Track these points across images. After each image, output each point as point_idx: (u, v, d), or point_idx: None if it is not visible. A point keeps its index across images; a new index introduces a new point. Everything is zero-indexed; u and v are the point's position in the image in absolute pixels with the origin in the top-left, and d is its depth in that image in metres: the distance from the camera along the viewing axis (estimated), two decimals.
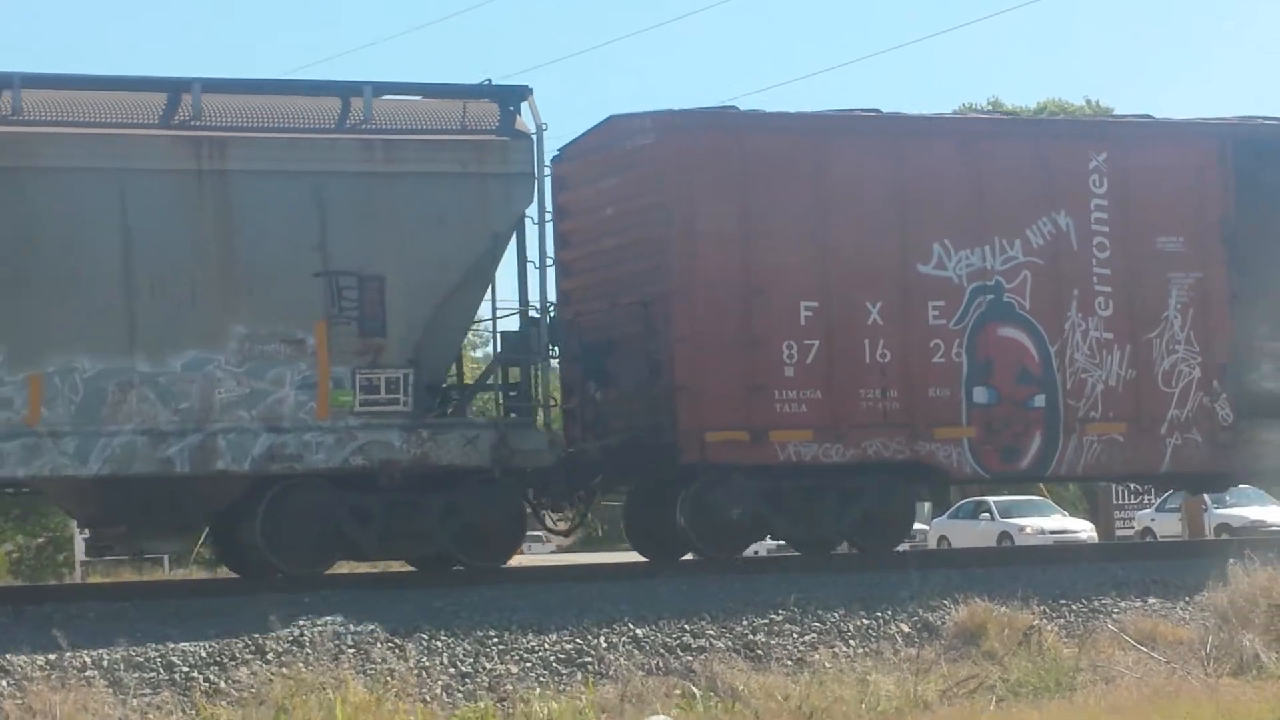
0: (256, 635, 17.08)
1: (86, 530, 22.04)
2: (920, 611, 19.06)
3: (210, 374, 19.39)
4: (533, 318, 20.88)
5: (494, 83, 21.13)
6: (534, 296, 21.00)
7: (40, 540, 42.59)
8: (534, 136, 20.70)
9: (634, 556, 21.99)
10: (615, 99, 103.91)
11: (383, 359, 19.92)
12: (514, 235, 20.75)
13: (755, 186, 21.47)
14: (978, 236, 22.24)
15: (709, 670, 17.48)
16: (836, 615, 18.83)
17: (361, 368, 19.86)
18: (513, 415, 20.79)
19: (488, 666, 17.25)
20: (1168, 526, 40.58)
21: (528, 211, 20.75)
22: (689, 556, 22.12)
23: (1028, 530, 40.64)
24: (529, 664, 17.41)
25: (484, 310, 21.30)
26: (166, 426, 19.25)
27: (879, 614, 18.95)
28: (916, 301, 21.96)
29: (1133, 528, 43.00)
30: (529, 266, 20.96)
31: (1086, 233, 22.64)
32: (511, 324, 21.48)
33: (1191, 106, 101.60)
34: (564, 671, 17.39)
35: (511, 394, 20.96)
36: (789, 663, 17.98)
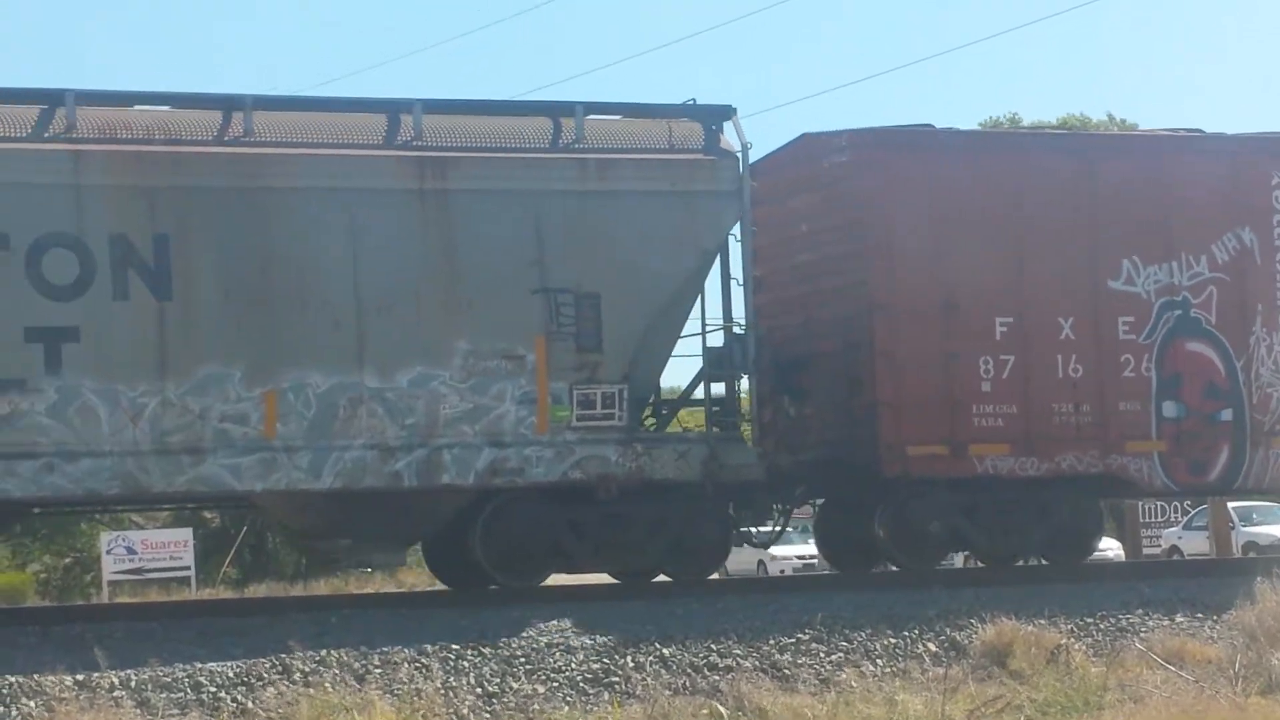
0: (283, 655, 17.07)
1: (306, 542, 22.32)
2: (947, 630, 19.03)
3: (435, 390, 19.76)
4: (737, 333, 21.21)
5: (697, 103, 21.48)
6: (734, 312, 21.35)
7: (68, 560, 42.74)
8: (739, 155, 21.05)
9: (659, 576, 21.56)
10: None
11: (598, 375, 20.28)
12: (719, 252, 21.11)
13: (950, 204, 21.82)
14: (1165, 253, 22.57)
15: (736, 690, 17.40)
16: (863, 634, 18.80)
17: (578, 383, 20.22)
18: (716, 430, 21.11)
19: (514, 686, 17.24)
20: (1195, 545, 40.37)
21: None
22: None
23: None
24: (556, 684, 17.35)
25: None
26: (394, 441, 19.62)
27: (906, 633, 18.92)
28: (1107, 317, 22.29)
29: (1160, 546, 43.02)
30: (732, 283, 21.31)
31: (1270, 248, 22.96)
32: (709, 338, 21.78)
33: (1217, 119, 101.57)
34: (591, 691, 17.31)
35: (714, 409, 21.29)
36: (816, 683, 17.90)
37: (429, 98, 20.47)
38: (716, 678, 17.68)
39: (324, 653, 17.18)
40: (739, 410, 21.22)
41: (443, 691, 16.84)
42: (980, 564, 23.21)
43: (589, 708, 16.94)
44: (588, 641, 18.01)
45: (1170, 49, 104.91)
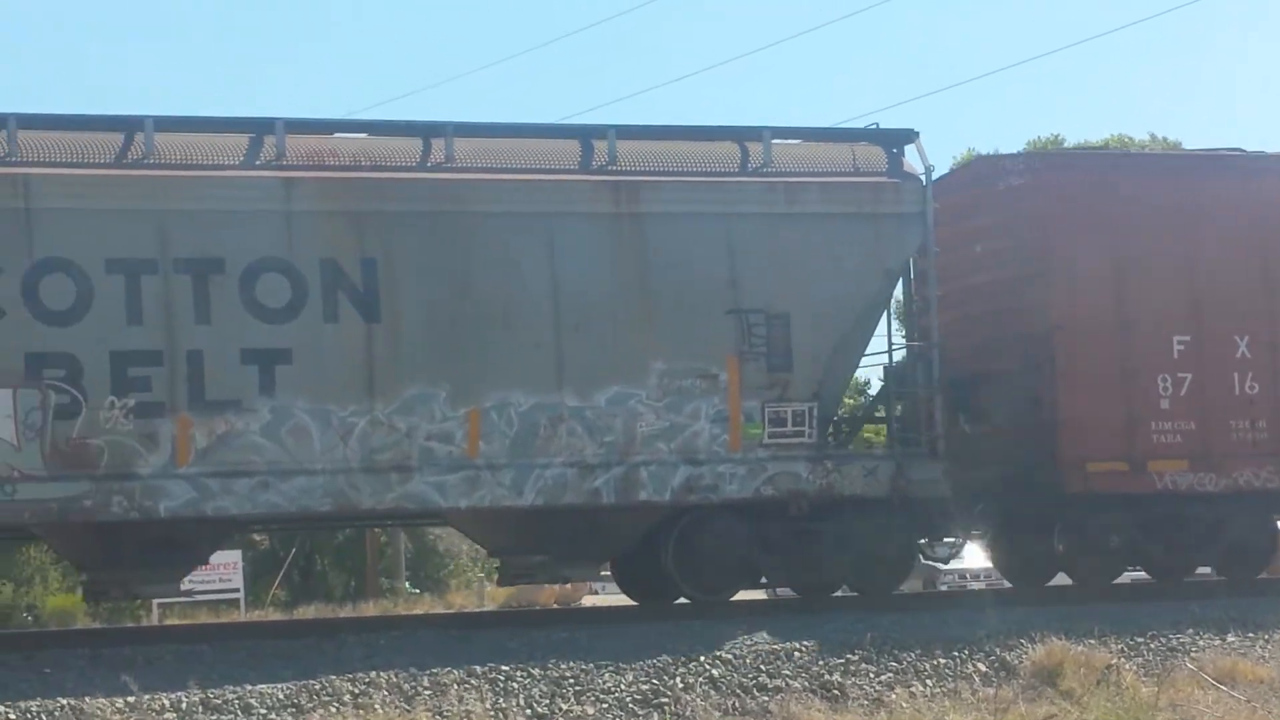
0: (333, 677, 17.03)
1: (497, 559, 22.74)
2: (997, 650, 18.92)
3: (632, 408, 20.21)
4: (920, 351, 21.59)
5: (879, 127, 21.90)
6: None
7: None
8: (923, 177, 21.45)
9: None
10: None
11: (789, 393, 20.70)
12: (903, 273, 21.52)
13: (1126, 224, 22.18)
14: None
15: (786, 710, 17.34)
16: (913, 655, 18.69)
17: (770, 401, 20.64)
18: (898, 447, 21.49)
19: (564, 707, 17.15)
20: None
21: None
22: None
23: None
24: (605, 705, 17.27)
25: None
26: (593, 459, 20.08)
27: (956, 653, 18.82)
28: None
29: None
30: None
31: None
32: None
33: (1255, 137, 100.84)
34: (640, 713, 17.27)
35: (895, 425, 21.67)
36: (866, 703, 17.81)
37: (622, 124, 20.96)
38: (766, 698, 17.60)
39: (373, 674, 17.17)
40: (923, 427, 21.56)
41: (492, 713, 16.81)
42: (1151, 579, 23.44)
43: None
44: (637, 662, 17.96)
45: (1206, 68, 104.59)
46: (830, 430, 21.56)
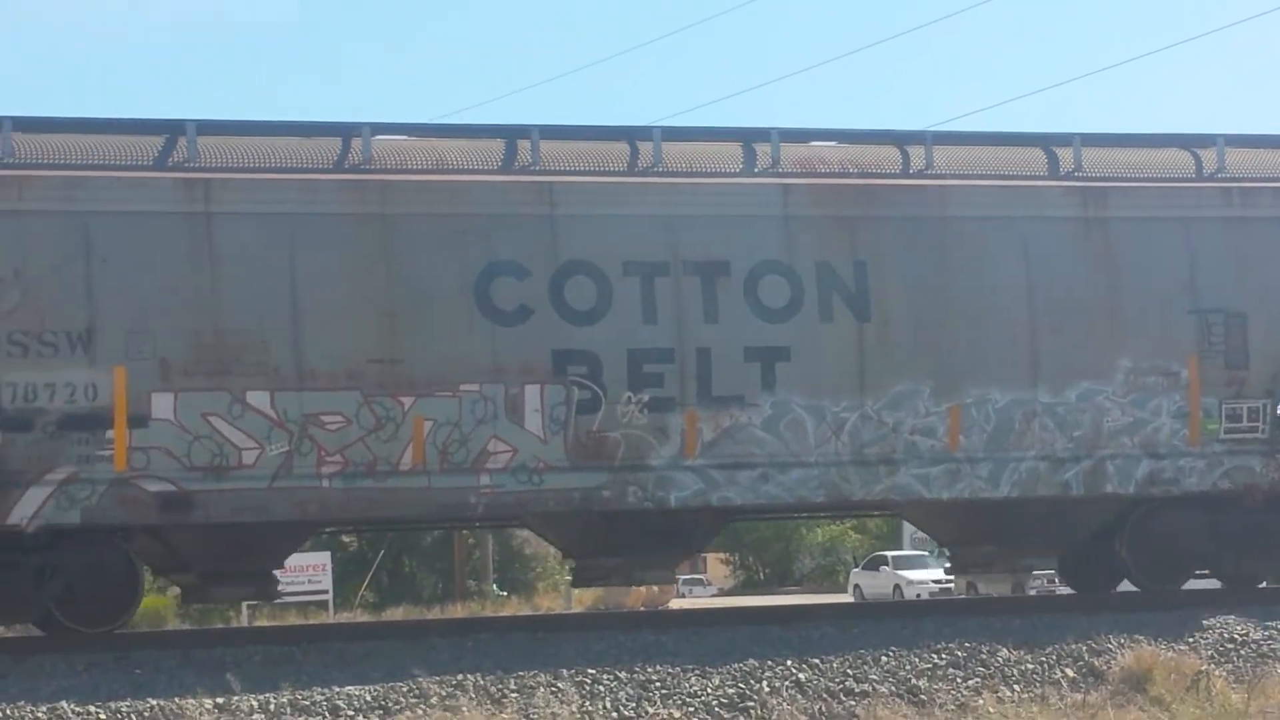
0: (420, 679, 17.06)
1: (947, 548, 23.77)
2: (1086, 656, 18.84)
3: (1100, 404, 21.14)
4: None
5: None
6: None
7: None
8: None
9: (794, 599, 21.50)
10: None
11: (1244, 390, 21.56)
12: None
13: None
14: None
15: (872, 715, 17.33)
16: (1000, 659, 18.66)
17: (1226, 398, 21.51)
18: None
19: (650, 711, 17.12)
20: None
21: None
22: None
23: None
24: (692, 708, 17.26)
25: None
26: (1062, 453, 21.04)
27: (1043, 658, 18.77)
28: None
29: None
30: None
31: None
32: None
33: None
34: (727, 716, 17.21)
35: None
36: (952, 707, 17.70)
37: (1085, 132, 21.87)
38: (852, 703, 17.60)
39: (460, 676, 17.22)
40: None
41: (578, 715, 16.80)
42: None
43: None
44: (724, 666, 17.99)
45: None
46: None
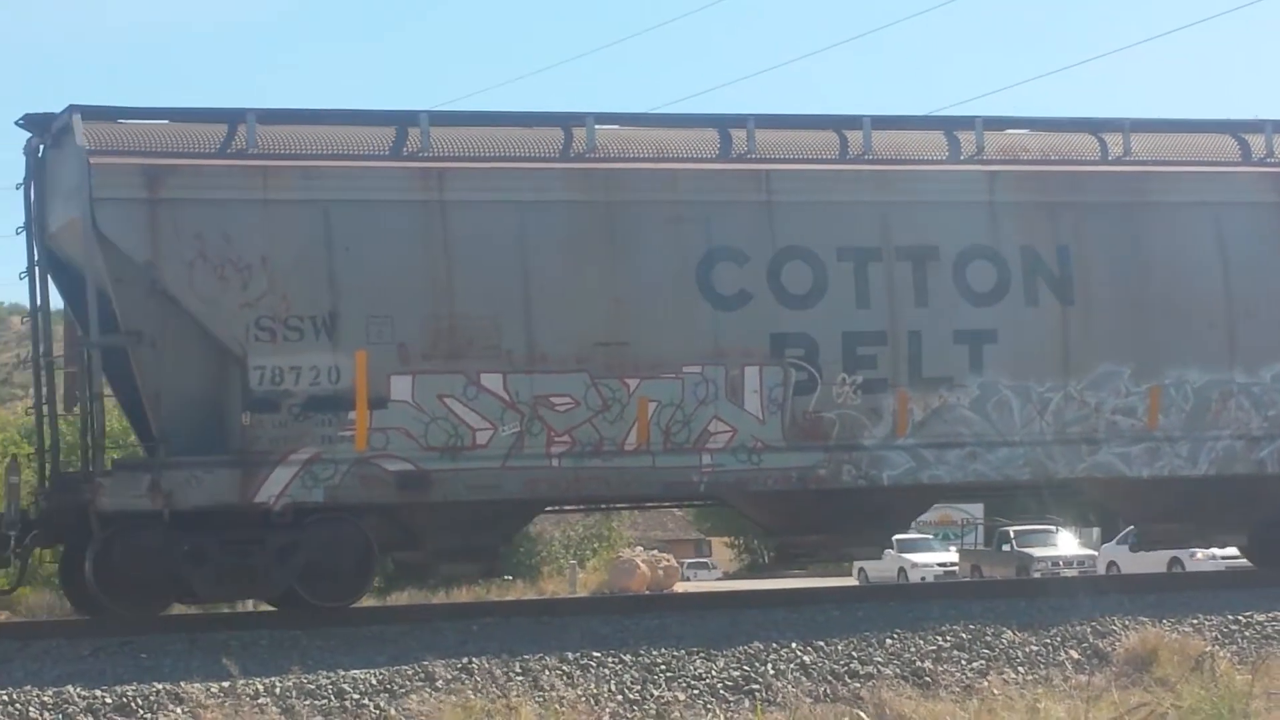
0: (426, 662, 17.07)
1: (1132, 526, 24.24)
2: (1090, 637, 18.89)
3: None
4: None
5: None
6: None
7: None
8: None
9: (799, 583, 21.28)
10: None
11: None
12: None
13: None
14: None
15: (877, 697, 17.21)
16: (1005, 641, 18.70)
17: None
18: None
19: (655, 693, 17.09)
20: None
21: None
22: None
23: (1199, 556, 39.18)
24: (697, 691, 17.22)
25: None
26: (1257, 431, 21.60)
27: (1048, 640, 18.79)
28: None
29: None
30: None
31: None
32: None
33: None
34: (731, 699, 17.13)
35: None
36: (957, 689, 17.63)
37: (1271, 119, 22.35)
38: (857, 685, 17.57)
39: (466, 660, 17.24)
40: None
41: (584, 699, 16.76)
42: None
43: (730, 715, 16.86)
44: (729, 649, 18.00)
45: None
46: None
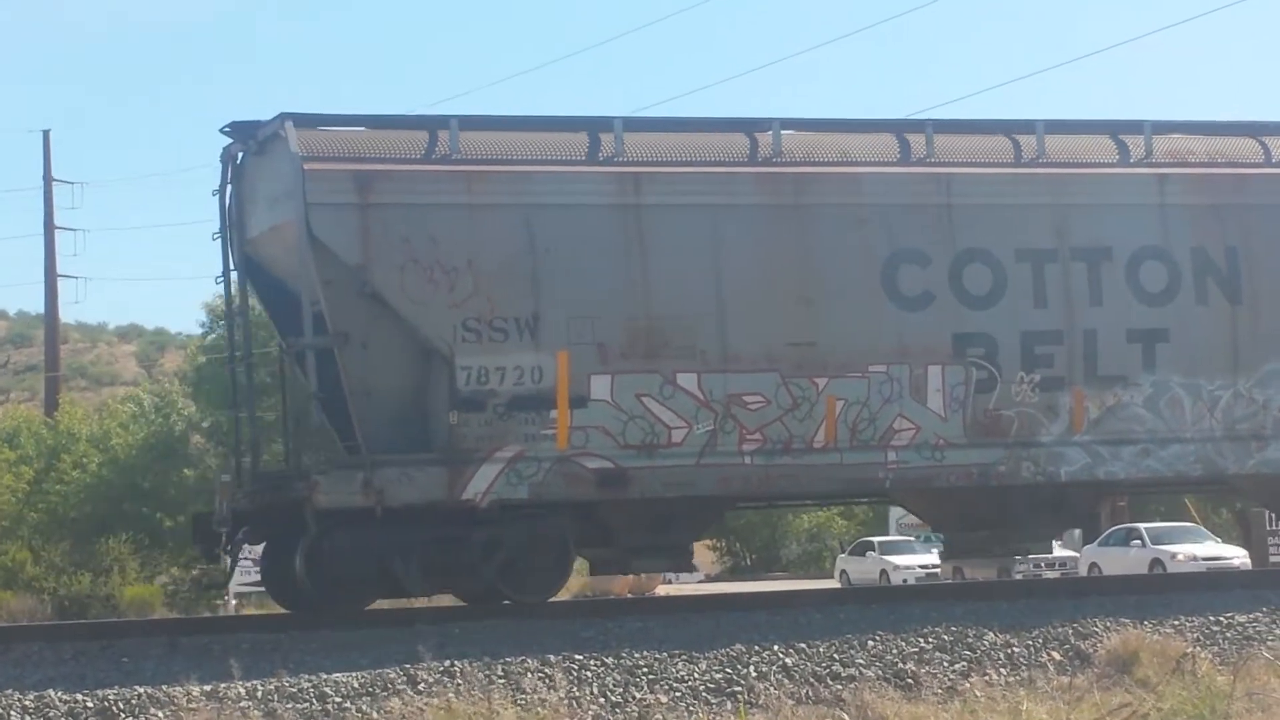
0: (408, 666, 17.02)
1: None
2: (1072, 639, 18.90)
3: None
4: None
5: None
6: None
7: (195, 572, 42.08)
8: None
9: (780, 585, 21.28)
10: None
11: None
12: None
13: None
14: None
15: (859, 699, 17.19)
16: (987, 643, 18.68)
17: None
18: None
19: (637, 696, 17.04)
20: None
21: None
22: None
23: (1180, 558, 39.11)
24: (679, 693, 17.18)
25: None
26: None
27: (1030, 642, 18.80)
28: None
29: None
30: None
31: None
32: None
33: None
34: (714, 701, 17.10)
35: None
36: (939, 691, 17.62)
37: None
38: (840, 687, 17.57)
39: (448, 663, 17.19)
40: None
41: (566, 701, 16.75)
42: None
43: (713, 717, 16.83)
44: (710, 651, 18.01)
45: None
46: None
